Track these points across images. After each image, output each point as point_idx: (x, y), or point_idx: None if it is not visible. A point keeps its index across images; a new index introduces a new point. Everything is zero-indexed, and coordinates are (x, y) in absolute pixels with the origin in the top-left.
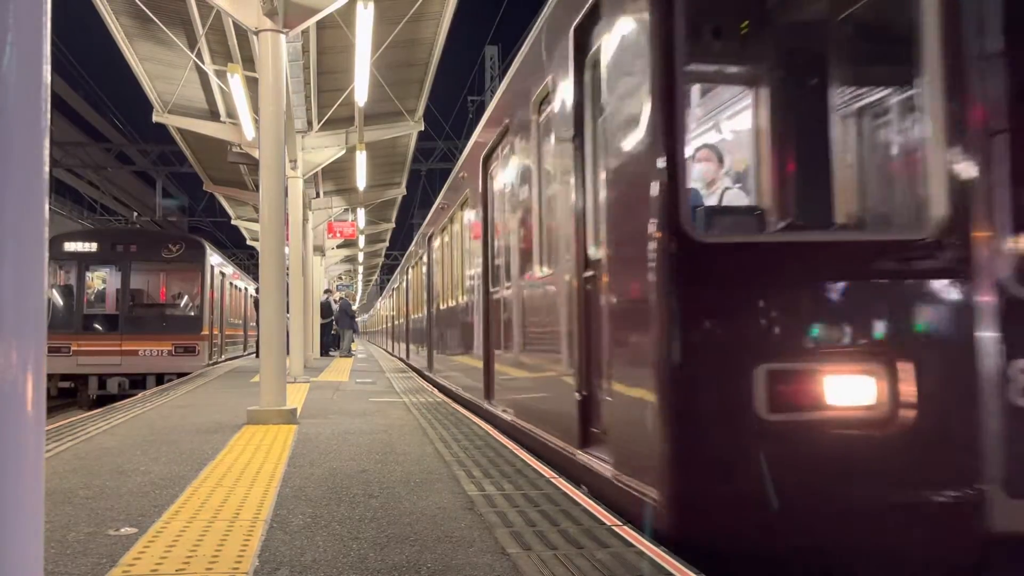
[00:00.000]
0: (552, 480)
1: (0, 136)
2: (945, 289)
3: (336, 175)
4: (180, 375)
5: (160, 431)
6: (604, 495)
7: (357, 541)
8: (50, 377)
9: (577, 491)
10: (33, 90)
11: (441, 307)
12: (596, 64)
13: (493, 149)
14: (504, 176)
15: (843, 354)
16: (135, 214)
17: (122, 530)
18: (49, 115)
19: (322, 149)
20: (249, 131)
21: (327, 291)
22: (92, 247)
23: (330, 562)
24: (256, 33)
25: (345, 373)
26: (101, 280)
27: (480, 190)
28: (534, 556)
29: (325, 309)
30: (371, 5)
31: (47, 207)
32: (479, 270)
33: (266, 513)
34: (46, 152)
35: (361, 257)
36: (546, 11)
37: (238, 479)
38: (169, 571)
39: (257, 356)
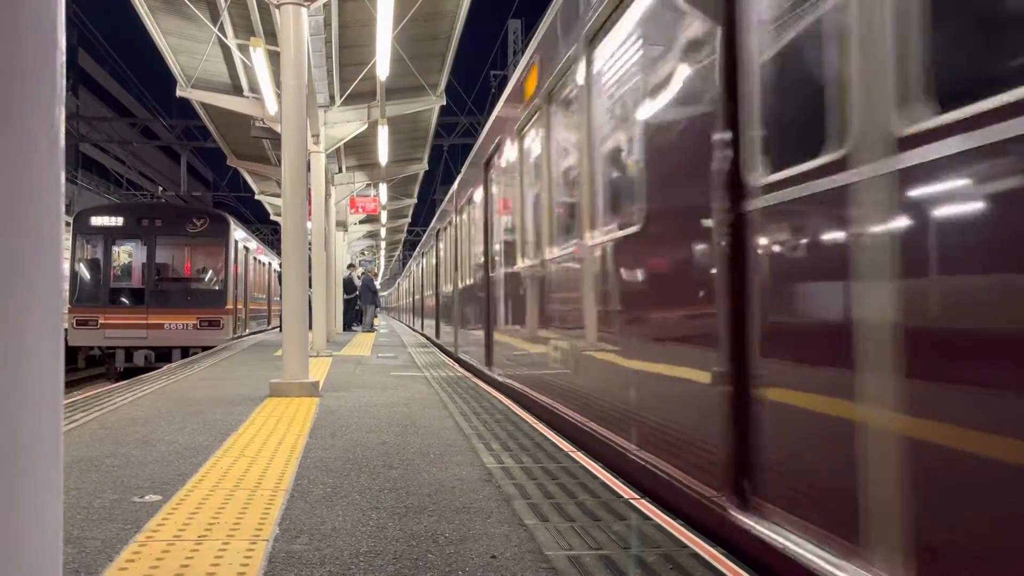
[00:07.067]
0: (571, 454)
1: (15, 102)
2: None
3: (358, 150)
4: (205, 348)
5: (185, 403)
6: None
7: (376, 511)
8: (78, 349)
9: (596, 464)
10: (48, 51)
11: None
12: None
13: None
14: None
15: None
16: (160, 189)
17: (147, 497)
18: (64, 76)
19: (344, 124)
20: (272, 105)
21: (350, 266)
22: (118, 221)
23: (349, 531)
24: (278, 6)
25: (367, 348)
26: (127, 254)
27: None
28: (551, 527)
29: (348, 284)
30: None
31: (63, 174)
32: None
33: (287, 483)
34: (61, 117)
35: (383, 233)
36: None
37: (260, 449)
38: (192, 537)
39: (281, 330)
